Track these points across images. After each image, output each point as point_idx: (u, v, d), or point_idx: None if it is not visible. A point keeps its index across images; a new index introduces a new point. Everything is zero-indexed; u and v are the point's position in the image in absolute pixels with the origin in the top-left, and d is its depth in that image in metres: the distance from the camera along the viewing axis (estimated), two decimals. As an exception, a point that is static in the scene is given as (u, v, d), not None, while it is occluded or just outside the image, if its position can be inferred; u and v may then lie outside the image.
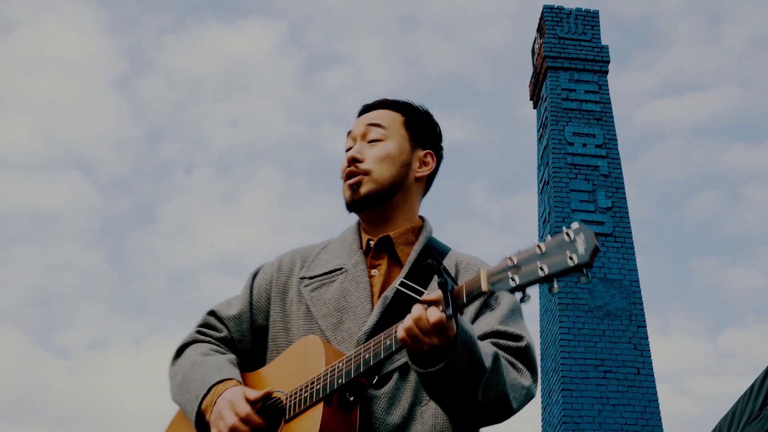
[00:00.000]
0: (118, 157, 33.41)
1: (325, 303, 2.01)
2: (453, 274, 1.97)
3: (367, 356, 1.78)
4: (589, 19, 15.28)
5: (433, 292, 1.67)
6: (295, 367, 1.92)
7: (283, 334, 2.05)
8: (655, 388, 12.52)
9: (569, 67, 14.84)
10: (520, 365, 1.91)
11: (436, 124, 2.22)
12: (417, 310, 1.66)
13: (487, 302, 1.99)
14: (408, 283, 1.99)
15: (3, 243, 33.21)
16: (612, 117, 14.56)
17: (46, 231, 33.00)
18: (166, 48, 33.07)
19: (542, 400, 13.68)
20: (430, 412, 1.89)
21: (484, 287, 1.57)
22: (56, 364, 35.08)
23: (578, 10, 15.38)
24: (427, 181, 2.19)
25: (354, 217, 2.20)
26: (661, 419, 12.27)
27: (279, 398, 1.90)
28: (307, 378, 1.86)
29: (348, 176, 2.10)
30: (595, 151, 14.23)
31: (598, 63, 14.93)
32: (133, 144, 33.52)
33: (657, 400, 12.39)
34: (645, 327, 12.90)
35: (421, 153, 2.16)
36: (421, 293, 1.95)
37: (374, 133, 2.13)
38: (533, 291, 1.61)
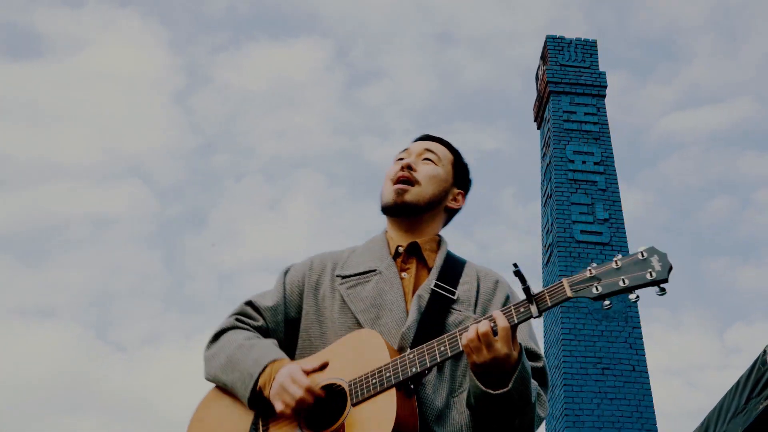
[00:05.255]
0: (174, 166, 33.81)
1: (362, 300, 2.02)
2: (476, 282, 2.08)
3: (442, 348, 1.80)
4: (588, 48, 15.30)
5: (500, 310, 1.76)
6: (353, 356, 1.90)
7: (317, 326, 2.05)
8: (649, 383, 12.44)
9: (570, 91, 14.85)
10: (543, 395, 1.95)
11: (471, 177, 2.31)
12: (485, 324, 1.72)
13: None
14: (439, 283, 2.03)
15: (68, 245, 33.63)
16: (609, 137, 14.56)
17: (107, 234, 33.40)
18: (221, 65, 33.38)
19: (546, 394, 13.63)
20: (463, 402, 1.91)
21: (570, 294, 1.65)
22: (114, 358, 35.35)
23: (578, 40, 15.39)
24: (450, 216, 2.25)
25: (381, 224, 2.24)
26: (654, 412, 12.20)
27: (337, 384, 1.87)
28: (370, 367, 1.84)
29: (400, 180, 2.15)
30: (594, 167, 14.21)
31: (596, 88, 14.94)
32: (187, 154, 33.90)
33: (651, 395, 12.31)
34: (640, 328, 12.84)
35: (456, 190, 2.23)
36: (452, 293, 2.02)
37: (430, 155, 2.21)
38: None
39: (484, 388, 1.75)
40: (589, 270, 1.64)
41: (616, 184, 14.10)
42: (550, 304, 1.68)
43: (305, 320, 2.08)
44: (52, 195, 32.12)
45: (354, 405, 1.82)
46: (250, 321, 2.09)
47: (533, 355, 1.96)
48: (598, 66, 15.14)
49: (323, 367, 1.90)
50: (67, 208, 32.83)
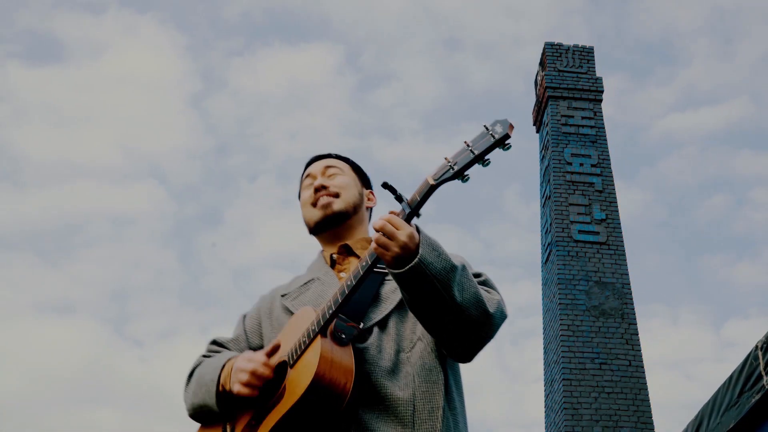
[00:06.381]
0: (190, 167, 33.95)
1: (304, 304, 2.04)
2: None
3: (348, 282, 1.82)
4: (585, 54, 15.32)
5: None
6: (291, 335, 1.93)
7: (276, 336, 2.06)
8: (645, 378, 12.51)
9: (568, 96, 14.87)
10: (487, 287, 1.96)
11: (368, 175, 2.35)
12: (380, 220, 1.74)
13: None
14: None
15: (87, 243, 33.76)
16: (605, 140, 14.60)
17: (125, 232, 33.50)
18: (236, 69, 33.61)
19: (545, 388, 13.70)
20: (416, 355, 1.91)
21: (431, 182, 1.68)
22: (131, 352, 35.41)
23: (575, 46, 15.42)
24: (371, 215, 2.29)
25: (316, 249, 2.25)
26: (650, 405, 12.27)
27: (284, 360, 1.90)
28: (302, 332, 1.88)
29: (319, 200, 2.17)
30: (591, 170, 14.24)
31: (593, 93, 14.96)
32: (203, 155, 34.07)
33: (647, 389, 12.38)
34: (635, 324, 12.89)
35: (366, 191, 2.28)
36: (382, 269, 2.01)
37: (333, 170, 2.24)
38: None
39: (403, 269, 1.73)
40: (446, 159, 1.68)
41: (613, 185, 14.15)
42: (419, 199, 1.71)
43: (266, 339, 2.11)
44: (72, 195, 32.30)
45: (291, 367, 1.86)
46: (214, 354, 2.14)
47: (474, 275, 1.98)
48: (595, 71, 15.16)
49: (276, 348, 1.90)
50: (87, 207, 33.00)
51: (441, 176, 1.67)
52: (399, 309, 1.98)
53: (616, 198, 13.99)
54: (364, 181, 2.30)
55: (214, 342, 2.19)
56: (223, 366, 1.96)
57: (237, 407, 1.97)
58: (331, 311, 1.82)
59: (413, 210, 1.72)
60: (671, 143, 30.15)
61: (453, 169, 1.65)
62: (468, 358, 1.93)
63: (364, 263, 1.80)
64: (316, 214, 2.18)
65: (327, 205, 2.16)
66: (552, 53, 15.28)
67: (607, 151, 14.49)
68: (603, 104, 14.94)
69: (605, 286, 13.13)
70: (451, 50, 34.69)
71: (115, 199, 31.99)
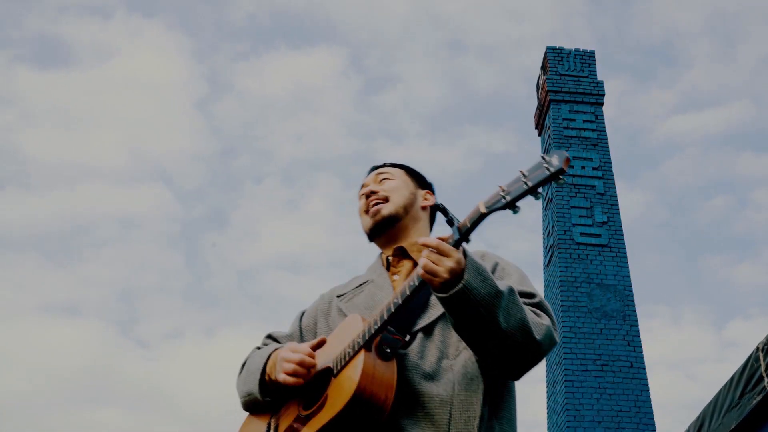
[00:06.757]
0: (196, 169, 34.13)
1: (356, 306, 2.08)
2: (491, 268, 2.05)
3: (395, 300, 1.82)
4: (587, 58, 15.38)
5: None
6: (338, 341, 1.95)
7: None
8: (646, 379, 12.54)
9: (569, 100, 14.91)
10: (538, 311, 1.92)
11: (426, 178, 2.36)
12: (425, 252, 1.73)
13: (497, 275, 2.02)
14: None
15: (94, 244, 33.94)
16: (607, 143, 14.65)
17: (131, 234, 33.67)
18: (241, 72, 33.79)
19: (547, 389, 13.71)
20: (460, 363, 1.90)
21: (483, 210, 1.65)
22: (136, 353, 35.51)
23: (577, 50, 15.47)
24: (433, 214, 2.30)
25: (375, 253, 2.28)
26: (651, 407, 12.29)
27: (329, 367, 1.92)
28: (349, 341, 1.89)
29: (370, 206, 2.22)
30: (592, 173, 14.28)
31: (594, 96, 15.01)
32: (209, 157, 34.22)
33: (648, 390, 12.41)
34: (637, 326, 12.92)
35: (422, 191, 2.29)
36: None
37: (383, 176, 2.28)
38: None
39: (448, 294, 1.73)
40: (500, 188, 1.63)
41: (614, 188, 14.19)
42: (468, 225, 1.69)
43: None
44: (80, 197, 32.47)
45: (335, 376, 1.88)
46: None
47: (525, 294, 1.96)
48: (596, 75, 15.20)
49: (321, 344, 1.95)
50: (94, 209, 33.16)
51: (493, 205, 1.63)
52: (446, 316, 1.95)
53: (617, 201, 14.04)
54: (421, 182, 2.32)
55: (269, 336, 2.25)
56: (269, 356, 2.03)
57: (281, 401, 2.02)
58: (376, 326, 1.83)
59: (462, 236, 1.71)
60: (673, 145, 30.26)
61: (505, 199, 1.61)
62: (515, 378, 1.93)
63: (411, 283, 1.79)
64: (368, 222, 2.22)
65: (376, 212, 2.20)
66: (554, 57, 15.33)
67: (609, 154, 14.53)
68: (604, 107, 15.05)
69: (607, 288, 13.16)
70: (454, 53, 34.84)
71: (121, 201, 32.19)
